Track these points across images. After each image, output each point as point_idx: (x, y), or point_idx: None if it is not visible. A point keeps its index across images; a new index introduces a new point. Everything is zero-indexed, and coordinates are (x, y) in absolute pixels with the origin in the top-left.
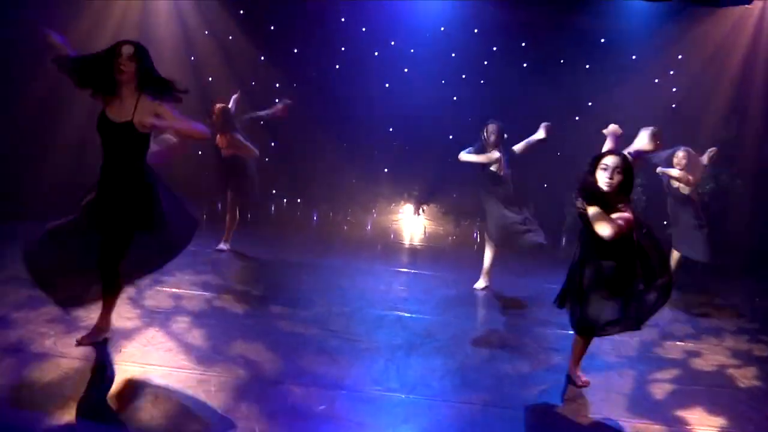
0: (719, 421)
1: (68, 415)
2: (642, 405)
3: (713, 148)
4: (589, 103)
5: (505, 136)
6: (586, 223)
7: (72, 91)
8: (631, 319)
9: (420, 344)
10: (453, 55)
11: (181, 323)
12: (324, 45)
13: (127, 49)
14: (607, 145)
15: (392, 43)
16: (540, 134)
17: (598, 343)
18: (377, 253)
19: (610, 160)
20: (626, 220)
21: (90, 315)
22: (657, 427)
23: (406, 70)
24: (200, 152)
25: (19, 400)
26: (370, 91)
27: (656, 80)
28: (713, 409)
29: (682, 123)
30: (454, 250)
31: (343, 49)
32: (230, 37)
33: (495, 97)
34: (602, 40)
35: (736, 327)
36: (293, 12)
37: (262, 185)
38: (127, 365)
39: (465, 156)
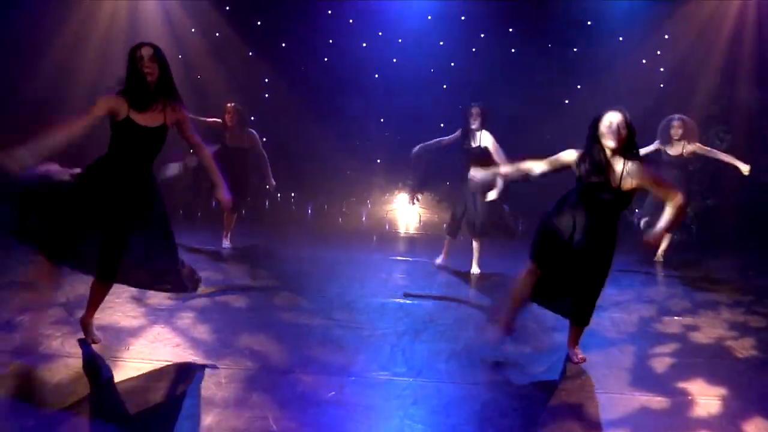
0: (720, 391)
1: (83, 414)
2: (644, 379)
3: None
4: (578, 86)
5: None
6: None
7: (67, 94)
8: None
9: (423, 329)
10: (441, 43)
11: (185, 319)
12: (312, 38)
13: (146, 51)
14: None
15: (380, 33)
16: (495, 190)
17: (598, 321)
18: (374, 243)
19: (613, 117)
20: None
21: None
22: (659, 399)
23: (394, 60)
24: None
25: (32, 401)
26: (360, 82)
27: (644, 61)
28: (713, 379)
29: (671, 102)
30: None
31: (330, 41)
32: (217, 34)
33: (484, 84)
34: (589, 23)
35: (732, 300)
36: (280, 6)
37: (257, 182)
38: (136, 362)
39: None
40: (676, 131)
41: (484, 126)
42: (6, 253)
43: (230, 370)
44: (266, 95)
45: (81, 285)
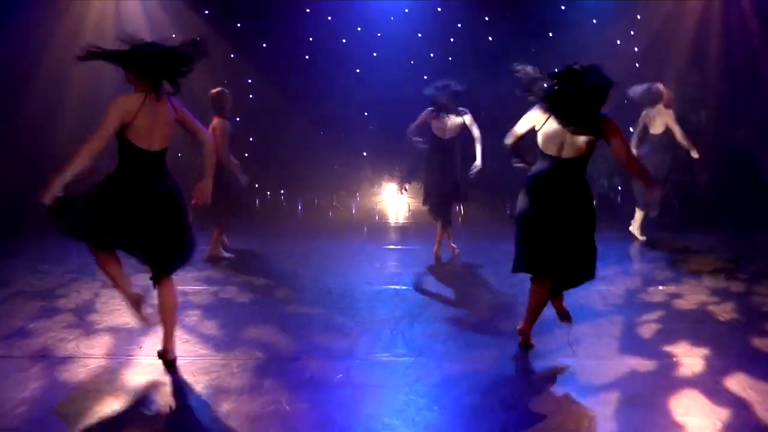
0: (702, 351)
1: (107, 409)
2: (631, 345)
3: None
4: (555, 70)
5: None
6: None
7: (66, 101)
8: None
9: (420, 313)
10: (419, 35)
11: (192, 316)
12: (292, 37)
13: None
14: None
15: (359, 29)
16: (476, 165)
17: (586, 295)
18: (366, 233)
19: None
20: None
21: (104, 318)
22: (646, 362)
23: (375, 54)
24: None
25: (54, 401)
26: (342, 78)
27: (618, 41)
28: (696, 341)
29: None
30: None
31: (311, 39)
32: (198, 38)
33: (463, 72)
34: (562, 7)
35: (713, 268)
36: (258, 7)
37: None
38: (149, 359)
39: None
40: (662, 94)
41: (452, 108)
42: (13, 262)
43: (240, 360)
44: (250, 96)
45: (87, 291)
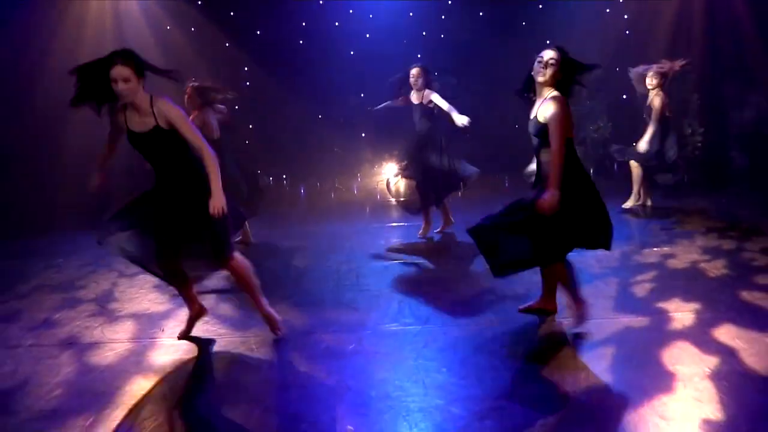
0: (694, 306)
1: (138, 387)
2: (626, 304)
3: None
4: (547, 41)
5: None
6: None
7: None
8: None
9: (425, 284)
10: (411, 14)
11: (208, 300)
12: (285, 23)
13: (118, 73)
14: None
15: (350, 11)
16: (460, 119)
17: (583, 260)
18: (368, 213)
19: (544, 53)
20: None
21: (125, 306)
22: (640, 318)
23: (367, 35)
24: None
25: (87, 383)
26: (337, 61)
27: (608, 10)
28: (688, 297)
29: (635, 48)
30: None
31: (304, 24)
32: (193, 29)
33: (456, 49)
34: None
35: (706, 228)
36: None
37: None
38: (172, 341)
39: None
40: (651, 81)
41: (427, 85)
42: (29, 259)
43: (259, 337)
44: (247, 83)
45: (105, 281)
